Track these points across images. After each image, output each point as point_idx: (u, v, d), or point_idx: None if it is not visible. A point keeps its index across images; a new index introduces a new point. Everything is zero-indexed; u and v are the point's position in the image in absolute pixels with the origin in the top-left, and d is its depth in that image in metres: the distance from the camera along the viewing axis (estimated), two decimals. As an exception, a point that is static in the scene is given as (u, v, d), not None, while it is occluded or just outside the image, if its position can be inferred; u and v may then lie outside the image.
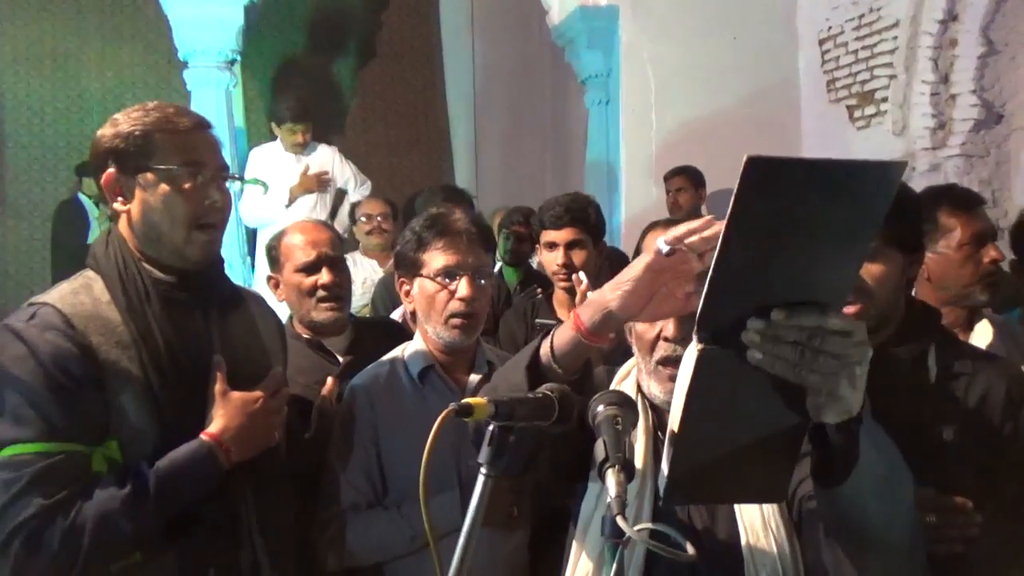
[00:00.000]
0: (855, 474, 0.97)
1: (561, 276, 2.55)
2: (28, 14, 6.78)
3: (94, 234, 6.27)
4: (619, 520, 0.83)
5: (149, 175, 1.37)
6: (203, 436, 1.36)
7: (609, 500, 0.88)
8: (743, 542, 1.26)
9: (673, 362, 1.29)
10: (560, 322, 2.34)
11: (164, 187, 1.37)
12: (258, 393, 1.43)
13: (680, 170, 4.72)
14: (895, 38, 4.58)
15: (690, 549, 0.86)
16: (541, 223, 2.62)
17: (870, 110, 4.83)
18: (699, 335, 0.91)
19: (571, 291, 2.53)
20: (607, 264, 2.69)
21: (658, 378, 1.33)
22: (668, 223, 1.37)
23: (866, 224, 0.89)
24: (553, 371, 1.15)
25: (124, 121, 1.39)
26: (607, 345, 1.23)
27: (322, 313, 2.03)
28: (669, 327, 1.30)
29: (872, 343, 1.43)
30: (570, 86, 6.54)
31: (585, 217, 2.60)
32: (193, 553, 1.35)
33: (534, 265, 3.67)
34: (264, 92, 7.00)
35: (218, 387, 1.39)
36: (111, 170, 1.39)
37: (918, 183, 3.85)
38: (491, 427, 1.02)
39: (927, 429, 1.42)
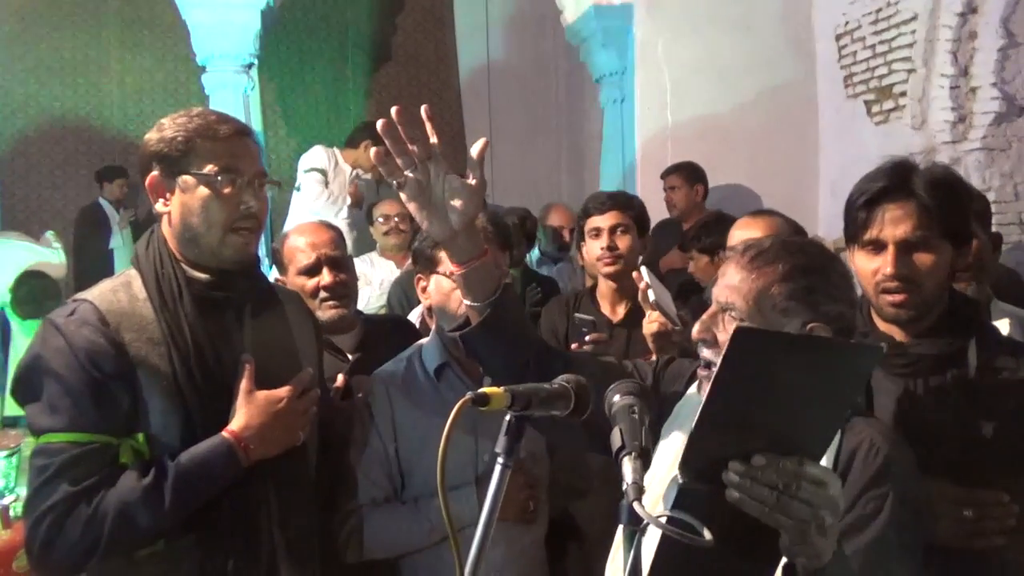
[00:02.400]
0: None
1: (606, 259, 2.48)
2: (50, 23, 6.89)
3: (115, 239, 6.35)
4: (636, 506, 0.83)
5: (189, 178, 1.42)
6: (224, 433, 1.39)
7: (625, 487, 0.88)
8: None
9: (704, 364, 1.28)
10: (597, 319, 2.36)
11: (202, 191, 1.42)
12: (283, 392, 1.45)
13: (675, 168, 4.64)
14: (913, 32, 4.53)
15: (707, 534, 0.86)
16: (585, 212, 2.58)
17: (888, 105, 4.78)
18: (682, 473, 0.99)
19: (615, 277, 2.49)
20: None
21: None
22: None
23: (844, 393, 0.97)
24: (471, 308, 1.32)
25: (169, 126, 1.45)
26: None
27: (327, 312, 2.04)
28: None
29: (912, 332, 1.47)
30: (585, 85, 6.54)
31: (629, 204, 2.57)
32: (213, 544, 1.38)
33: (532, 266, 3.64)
34: (281, 95, 7.06)
35: (244, 385, 1.42)
36: (155, 173, 1.45)
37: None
38: (507, 417, 1.03)
39: (965, 424, 1.40)
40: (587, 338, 2.26)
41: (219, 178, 1.41)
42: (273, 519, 1.45)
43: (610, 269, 2.49)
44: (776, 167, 5.03)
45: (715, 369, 0.92)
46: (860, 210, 1.45)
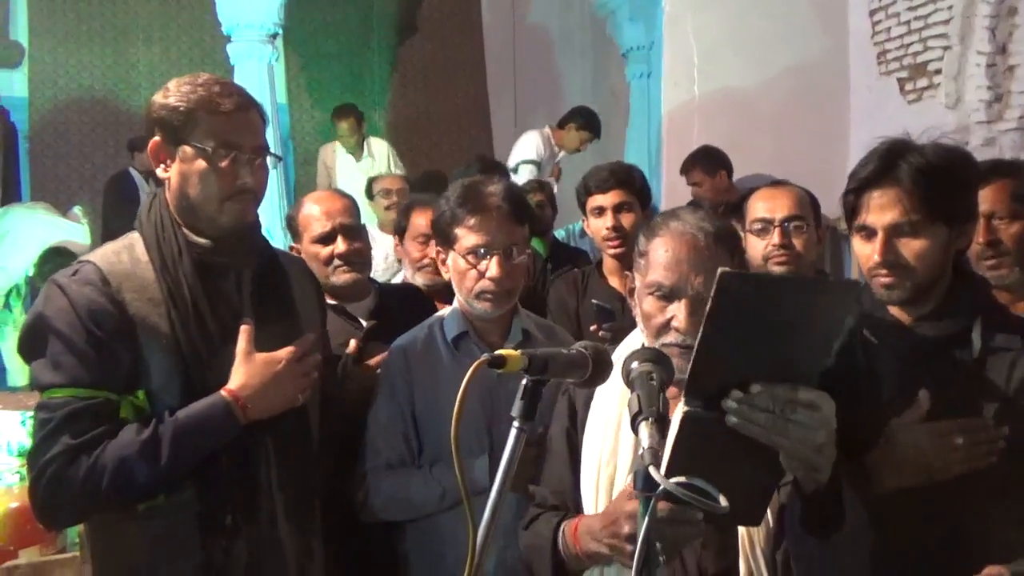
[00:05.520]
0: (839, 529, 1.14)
1: (611, 241, 2.49)
2: (78, -7, 6.92)
3: (145, 209, 6.40)
4: (652, 471, 0.83)
5: (188, 149, 1.44)
6: (222, 391, 1.41)
7: (642, 451, 0.88)
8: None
9: (680, 348, 1.30)
10: (615, 307, 2.35)
11: (200, 163, 1.43)
12: (282, 354, 1.46)
13: (692, 163, 4.52)
14: (950, 7, 4.40)
15: (723, 501, 0.85)
16: (586, 189, 2.57)
17: (922, 83, 4.67)
18: (686, 400, 1.08)
19: (621, 257, 2.48)
20: None
21: None
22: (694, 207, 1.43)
23: (830, 325, 1.06)
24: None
25: (174, 92, 1.46)
26: None
27: (340, 276, 2.06)
28: (680, 317, 1.32)
29: (912, 315, 1.47)
30: (611, 59, 6.46)
31: (631, 180, 2.56)
32: (213, 499, 1.41)
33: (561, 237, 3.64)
34: (306, 66, 7.05)
35: (242, 347, 1.44)
36: (156, 139, 1.47)
37: (971, 157, 3.72)
38: (524, 381, 1.03)
39: (967, 406, 1.40)
40: (605, 326, 2.25)
41: (217, 153, 1.42)
42: (273, 478, 1.47)
43: (617, 251, 2.49)
44: (804, 145, 4.94)
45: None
46: (850, 195, 1.46)
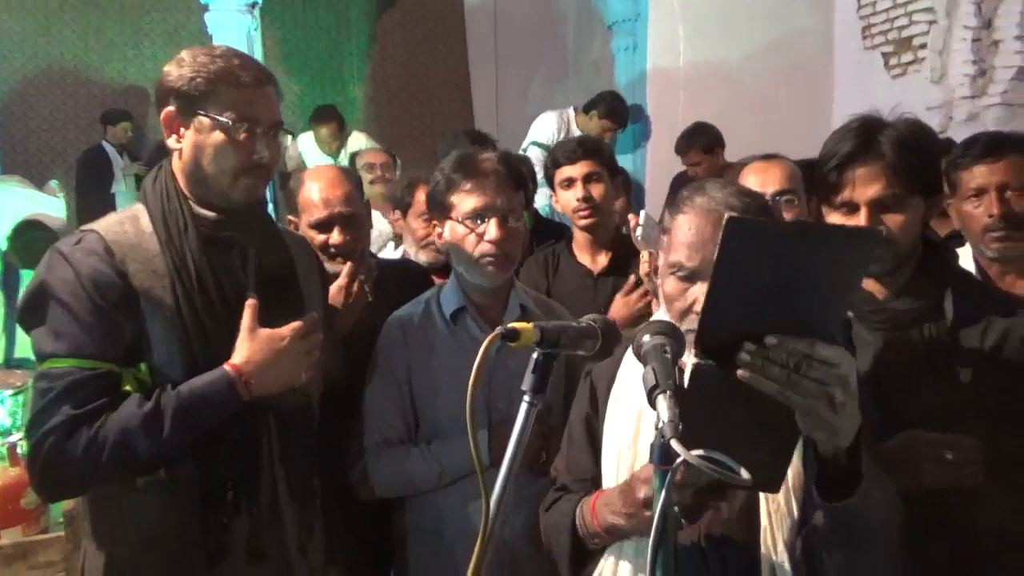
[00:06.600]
0: (860, 492, 1.06)
1: (582, 211, 2.44)
2: (49, -39, 6.71)
3: (119, 183, 6.27)
4: (674, 443, 0.81)
5: (205, 120, 1.41)
6: (225, 366, 1.39)
7: (661, 425, 0.86)
8: (762, 507, 1.25)
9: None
10: (578, 271, 2.32)
11: (217, 135, 1.41)
12: (286, 331, 1.44)
13: (688, 143, 4.51)
14: (936, -19, 4.41)
15: (744, 474, 0.84)
16: (555, 162, 2.52)
17: (907, 57, 4.68)
18: (696, 351, 1.02)
19: (592, 228, 2.46)
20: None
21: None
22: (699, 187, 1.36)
23: (847, 275, 0.99)
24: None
25: (190, 63, 1.42)
26: None
27: (335, 266, 2.01)
28: (703, 300, 1.26)
29: (891, 286, 1.49)
30: (595, 31, 6.39)
31: (599, 150, 2.52)
32: (214, 474, 1.40)
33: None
34: (284, 38, 6.91)
35: (247, 323, 1.42)
36: (171, 108, 1.44)
37: (957, 133, 3.74)
38: (535, 354, 1.01)
39: (943, 371, 1.43)
40: None
41: (236, 126, 1.40)
42: (274, 455, 1.46)
43: (588, 221, 2.45)
44: (789, 118, 4.94)
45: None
46: (831, 172, 1.47)
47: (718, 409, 1.01)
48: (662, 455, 0.88)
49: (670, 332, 1.04)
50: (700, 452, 0.83)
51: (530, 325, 0.98)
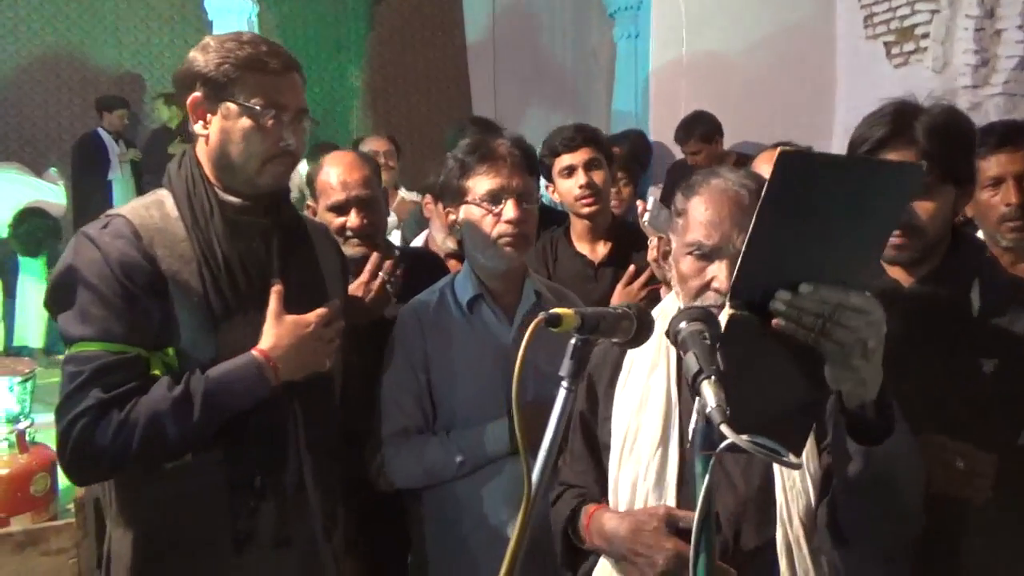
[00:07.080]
0: (891, 440, 1.06)
1: (585, 199, 2.42)
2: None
3: (115, 171, 6.23)
4: (725, 428, 0.81)
5: (232, 106, 1.41)
6: (253, 351, 1.39)
7: (709, 410, 0.86)
8: (778, 485, 1.26)
9: (720, 310, 1.25)
10: (578, 261, 2.32)
11: (245, 121, 1.41)
12: (312, 317, 1.45)
13: (687, 132, 4.48)
14: (939, -30, 4.40)
15: (793, 459, 0.84)
16: (553, 151, 2.49)
17: (909, 47, 4.67)
18: (731, 302, 1.01)
19: (592, 217, 2.44)
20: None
21: None
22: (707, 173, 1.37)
23: (887, 217, 0.99)
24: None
25: (217, 49, 1.42)
26: None
27: (351, 249, 2.01)
28: (722, 278, 1.29)
29: (914, 275, 1.48)
30: (594, 20, 6.37)
31: (597, 137, 2.51)
32: (241, 459, 1.40)
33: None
34: (281, 24, 6.86)
35: (273, 308, 1.42)
36: (198, 94, 1.43)
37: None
38: (573, 340, 1.00)
39: (966, 361, 1.42)
40: None
41: (263, 112, 1.40)
42: (300, 441, 1.46)
43: (591, 209, 2.43)
44: (790, 107, 4.94)
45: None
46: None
47: (750, 363, 1.01)
48: (705, 440, 0.88)
49: (705, 318, 1.04)
50: (744, 437, 0.83)
51: (571, 311, 0.98)
